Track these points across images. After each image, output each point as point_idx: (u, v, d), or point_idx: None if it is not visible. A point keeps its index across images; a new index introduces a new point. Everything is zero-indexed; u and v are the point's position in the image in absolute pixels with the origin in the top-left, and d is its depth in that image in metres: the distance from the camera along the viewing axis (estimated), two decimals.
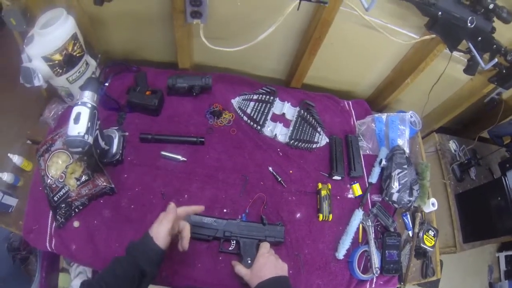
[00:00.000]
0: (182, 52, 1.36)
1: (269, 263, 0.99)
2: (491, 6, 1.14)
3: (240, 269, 1.02)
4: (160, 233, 0.88)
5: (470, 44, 1.25)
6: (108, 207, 1.12)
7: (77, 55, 1.13)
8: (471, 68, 1.38)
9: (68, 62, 1.10)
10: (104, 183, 1.10)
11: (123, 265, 0.85)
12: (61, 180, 1.09)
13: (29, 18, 1.05)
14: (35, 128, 1.27)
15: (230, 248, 1.10)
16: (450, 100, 1.77)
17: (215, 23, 1.23)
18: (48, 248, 1.07)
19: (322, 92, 1.59)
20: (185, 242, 0.95)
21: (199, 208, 1.01)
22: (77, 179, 1.09)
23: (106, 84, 1.28)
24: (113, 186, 1.11)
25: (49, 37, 1.03)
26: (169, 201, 1.12)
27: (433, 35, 1.29)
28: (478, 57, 1.27)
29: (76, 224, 1.08)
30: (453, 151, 1.83)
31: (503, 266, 2.69)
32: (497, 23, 1.20)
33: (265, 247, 1.06)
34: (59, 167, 1.10)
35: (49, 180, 1.09)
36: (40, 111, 1.27)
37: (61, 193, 1.08)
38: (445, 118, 1.81)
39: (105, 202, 1.12)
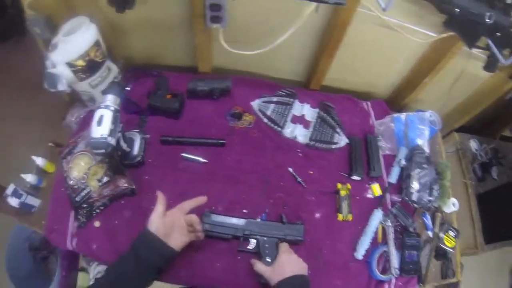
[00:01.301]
0: (202, 56, 1.38)
1: (291, 261, 1.00)
2: (509, 0, 1.12)
3: (260, 267, 1.02)
4: (153, 222, 0.91)
5: (489, 40, 1.23)
6: (129, 208, 1.14)
7: (99, 60, 1.16)
8: (491, 64, 1.35)
9: (91, 67, 1.13)
10: (125, 185, 1.12)
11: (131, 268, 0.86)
12: (83, 181, 1.11)
13: (53, 27, 1.09)
14: (58, 132, 1.31)
15: (249, 247, 1.11)
16: (470, 98, 1.74)
17: (234, 27, 1.24)
18: (69, 247, 1.09)
19: (342, 93, 1.59)
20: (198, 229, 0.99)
21: (202, 199, 1.01)
22: (99, 180, 1.11)
23: (128, 88, 1.32)
24: (134, 187, 1.13)
25: (72, 44, 1.06)
26: None
27: (451, 33, 1.28)
28: (498, 53, 1.24)
29: (97, 224, 1.11)
30: (474, 150, 1.79)
31: None
32: None
33: (285, 245, 1.07)
34: (81, 169, 1.13)
35: (71, 182, 1.12)
36: (63, 115, 1.30)
37: (83, 193, 1.10)
38: (465, 116, 1.78)
39: (126, 202, 1.14)
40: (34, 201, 1.18)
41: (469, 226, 1.65)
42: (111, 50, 1.29)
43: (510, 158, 1.86)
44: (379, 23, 1.24)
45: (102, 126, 0.96)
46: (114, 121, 0.98)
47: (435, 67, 1.41)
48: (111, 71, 1.24)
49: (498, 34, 1.20)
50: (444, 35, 1.31)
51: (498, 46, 1.24)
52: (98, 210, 1.12)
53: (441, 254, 1.34)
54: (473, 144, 1.80)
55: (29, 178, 1.17)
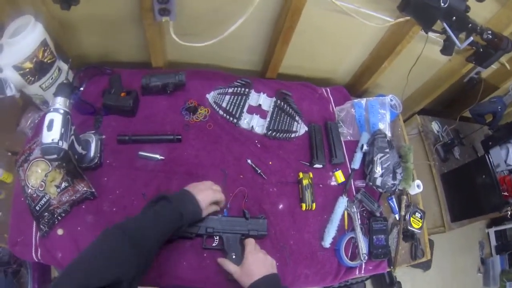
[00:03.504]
0: (155, 51, 1.34)
1: (257, 261, 0.99)
2: None
3: (229, 267, 1.01)
4: (205, 200, 1.01)
5: (445, 24, 1.25)
6: (91, 212, 1.10)
7: (48, 61, 1.11)
8: (447, 48, 1.38)
9: (40, 69, 1.09)
10: (85, 188, 1.08)
11: (167, 214, 0.92)
12: (41, 189, 1.07)
13: None
14: (13, 139, 1.25)
15: (213, 244, 1.10)
16: (429, 81, 1.79)
17: (185, 19, 1.22)
18: (35, 258, 1.06)
19: (300, 81, 1.58)
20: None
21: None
22: (57, 187, 1.07)
23: (81, 88, 1.27)
24: (93, 190, 1.10)
25: (18, 46, 1.01)
26: None
27: (407, 17, 1.29)
28: (454, 37, 1.27)
29: (60, 232, 1.07)
30: (436, 132, 1.84)
31: (493, 241, 2.76)
32: (471, 2, 1.20)
33: (251, 243, 1.05)
34: (39, 176, 1.08)
35: (29, 190, 1.07)
36: (17, 121, 1.24)
37: (42, 202, 1.06)
38: (426, 99, 1.83)
39: (87, 207, 1.11)
40: None
41: (435, 205, 1.70)
42: (61, 49, 1.25)
43: (470, 138, 1.92)
44: (334, 9, 1.24)
45: (53, 131, 0.91)
46: (65, 124, 0.94)
47: (393, 51, 1.43)
48: (62, 71, 1.19)
49: (454, 18, 1.22)
50: (401, 19, 1.33)
51: (454, 30, 1.26)
52: (59, 218, 1.08)
53: (409, 235, 1.38)
54: (435, 126, 1.85)
55: None
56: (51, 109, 0.94)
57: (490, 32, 1.30)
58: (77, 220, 1.09)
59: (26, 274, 1.58)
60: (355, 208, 1.28)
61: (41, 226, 1.06)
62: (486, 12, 1.43)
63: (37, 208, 1.06)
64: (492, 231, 2.76)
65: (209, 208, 1.04)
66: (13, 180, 1.18)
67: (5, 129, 1.28)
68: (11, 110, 1.27)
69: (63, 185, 1.08)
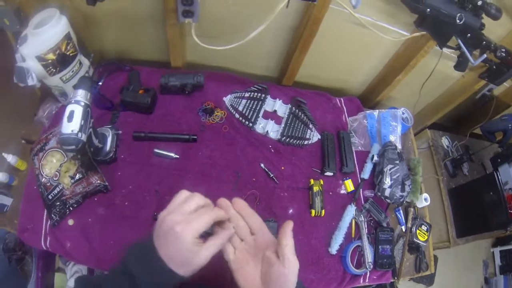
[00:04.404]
0: (175, 51, 1.37)
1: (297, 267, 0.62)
2: (479, 2, 1.15)
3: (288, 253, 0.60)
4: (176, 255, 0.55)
5: (459, 41, 1.26)
6: (102, 205, 1.12)
7: (71, 54, 1.14)
8: (461, 64, 1.39)
9: (62, 61, 1.11)
10: (98, 181, 1.10)
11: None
12: (55, 179, 1.09)
13: (23, 18, 1.06)
14: (29, 128, 1.27)
15: None
16: (442, 96, 1.79)
17: (207, 21, 1.24)
18: (43, 246, 1.07)
19: (314, 89, 1.60)
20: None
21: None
22: (71, 177, 1.09)
23: (100, 83, 1.29)
24: (107, 183, 1.11)
25: (42, 37, 1.04)
26: (162, 198, 1.14)
27: (423, 32, 1.31)
28: (468, 54, 1.28)
29: (70, 222, 1.09)
30: (445, 147, 1.84)
31: (498, 261, 2.71)
32: (486, 20, 1.21)
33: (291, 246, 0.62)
34: (53, 166, 1.10)
35: (43, 179, 1.09)
36: (34, 110, 1.27)
37: (56, 191, 1.08)
38: (437, 114, 1.83)
39: (99, 199, 1.13)
40: (6, 200, 1.14)
41: (442, 220, 1.69)
42: (83, 43, 1.27)
43: (480, 155, 1.91)
44: (352, 21, 1.27)
45: (73, 122, 0.94)
46: (85, 116, 0.96)
47: (408, 65, 1.44)
48: (82, 65, 1.22)
49: (469, 35, 1.23)
50: (417, 34, 1.34)
51: (469, 47, 1.28)
52: (71, 208, 1.10)
53: (414, 248, 1.38)
54: (445, 141, 1.85)
55: (0, 176, 1.13)
56: (72, 101, 0.96)
57: (504, 50, 1.31)
58: (88, 211, 1.11)
59: (31, 263, 1.59)
60: (362, 217, 1.28)
61: (52, 215, 1.07)
62: (501, 30, 1.43)
63: (50, 197, 1.08)
64: (497, 250, 2.72)
65: (205, 250, 0.58)
66: (26, 168, 1.20)
67: (23, 118, 1.31)
68: (29, 100, 1.30)
69: (77, 176, 1.09)
